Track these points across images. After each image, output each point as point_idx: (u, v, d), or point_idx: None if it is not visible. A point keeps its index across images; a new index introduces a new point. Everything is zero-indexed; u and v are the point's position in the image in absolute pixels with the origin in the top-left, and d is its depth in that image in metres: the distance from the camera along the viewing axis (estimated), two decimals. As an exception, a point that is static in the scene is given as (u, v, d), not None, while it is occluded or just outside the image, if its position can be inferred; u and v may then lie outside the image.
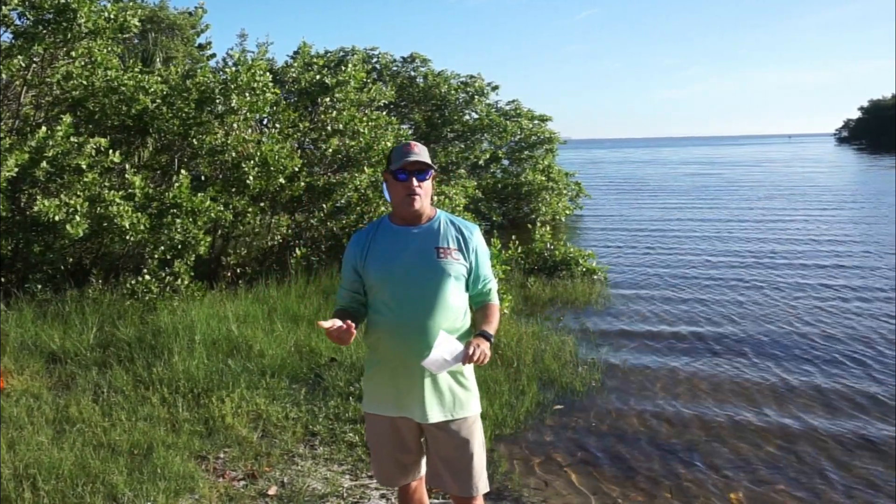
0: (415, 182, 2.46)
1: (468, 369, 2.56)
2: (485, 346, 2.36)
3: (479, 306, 2.62)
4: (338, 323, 2.33)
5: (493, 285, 2.65)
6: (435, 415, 2.46)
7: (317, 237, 9.09)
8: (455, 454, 2.51)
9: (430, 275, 2.45)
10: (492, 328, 2.51)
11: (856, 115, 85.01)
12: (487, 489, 2.59)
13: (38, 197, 6.40)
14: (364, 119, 9.45)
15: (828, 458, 4.42)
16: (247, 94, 8.00)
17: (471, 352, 2.31)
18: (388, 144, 9.30)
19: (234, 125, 8.11)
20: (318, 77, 9.48)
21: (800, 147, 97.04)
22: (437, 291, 2.44)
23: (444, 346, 2.32)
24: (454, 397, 2.49)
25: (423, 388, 2.43)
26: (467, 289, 2.56)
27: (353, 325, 2.34)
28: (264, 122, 9.49)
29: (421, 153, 2.48)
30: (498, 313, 2.61)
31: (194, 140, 7.90)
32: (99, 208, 6.61)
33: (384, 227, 2.58)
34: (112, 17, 7.46)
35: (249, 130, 8.52)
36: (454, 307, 2.47)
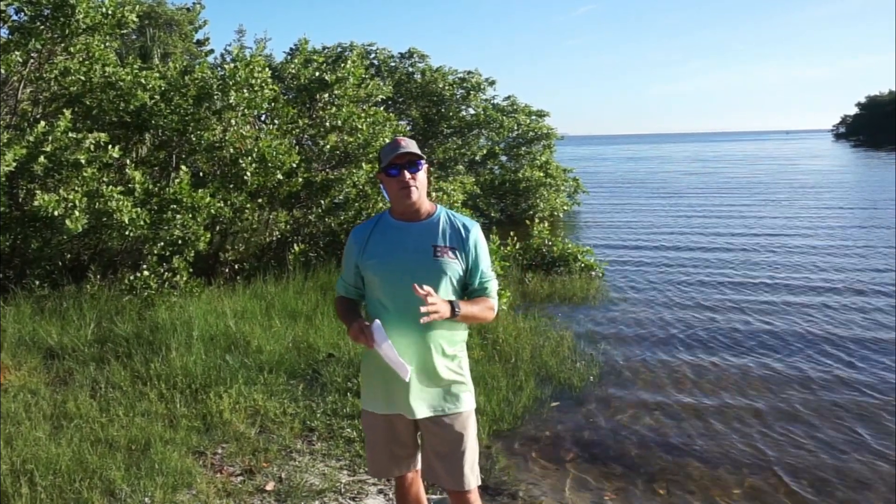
0: (407, 175, 2.44)
1: (463, 364, 2.55)
2: (443, 306, 2.30)
3: (472, 297, 2.53)
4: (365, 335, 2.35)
5: (493, 284, 2.56)
6: (426, 411, 2.47)
7: (315, 233, 9.10)
8: (448, 449, 2.52)
9: (426, 273, 2.41)
10: (467, 307, 2.43)
11: (853, 111, 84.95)
12: (479, 482, 2.60)
13: (36, 192, 6.40)
14: (362, 115, 9.43)
15: (826, 451, 4.44)
16: (245, 91, 7.98)
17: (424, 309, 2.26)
18: (386, 140, 9.28)
19: (232, 121, 8.10)
20: (317, 73, 9.46)
21: (797, 143, 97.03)
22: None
23: (390, 353, 2.32)
24: (447, 393, 2.49)
25: (415, 386, 2.44)
26: (464, 288, 2.52)
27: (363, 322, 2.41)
28: (263, 118, 9.48)
29: (408, 145, 2.47)
30: (485, 307, 2.51)
31: (192, 136, 7.89)
32: (98, 203, 6.61)
33: (384, 222, 2.56)
34: (110, 12, 7.45)
35: (248, 126, 8.50)
36: None
